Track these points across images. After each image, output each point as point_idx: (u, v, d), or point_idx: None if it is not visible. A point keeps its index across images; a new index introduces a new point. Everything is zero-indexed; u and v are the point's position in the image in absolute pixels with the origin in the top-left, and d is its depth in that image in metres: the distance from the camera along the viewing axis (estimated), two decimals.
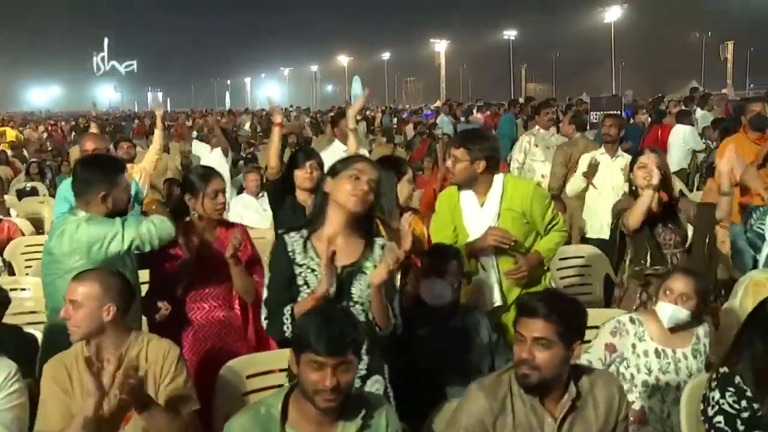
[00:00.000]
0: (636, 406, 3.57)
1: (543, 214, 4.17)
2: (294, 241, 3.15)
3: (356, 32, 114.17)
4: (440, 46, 73.00)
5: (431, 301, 3.83)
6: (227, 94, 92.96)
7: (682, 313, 3.55)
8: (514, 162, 8.40)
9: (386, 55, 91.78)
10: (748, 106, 6.35)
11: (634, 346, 3.61)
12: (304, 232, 3.15)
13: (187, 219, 4.00)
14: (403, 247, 3.08)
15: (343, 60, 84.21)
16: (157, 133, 7.80)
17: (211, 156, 10.57)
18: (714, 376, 3.07)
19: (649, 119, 12.23)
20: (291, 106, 38.23)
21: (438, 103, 42.13)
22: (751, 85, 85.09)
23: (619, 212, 4.59)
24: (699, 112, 14.00)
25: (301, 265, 3.12)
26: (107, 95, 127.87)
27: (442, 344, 3.74)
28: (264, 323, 3.19)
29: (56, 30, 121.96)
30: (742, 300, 3.90)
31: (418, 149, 13.63)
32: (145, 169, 7.27)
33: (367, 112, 29.66)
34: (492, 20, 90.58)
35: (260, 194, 8.36)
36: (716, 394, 2.98)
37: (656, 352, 3.61)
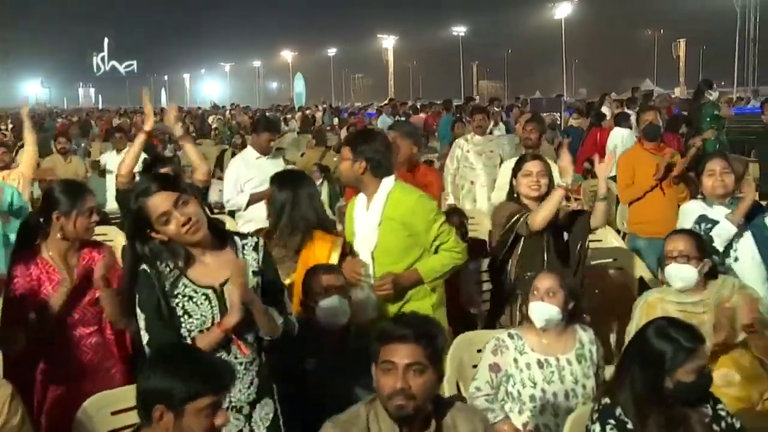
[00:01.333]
0: (531, 426, 3.54)
1: (427, 229, 4.03)
2: (160, 272, 2.97)
3: (301, 27, 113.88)
4: (388, 42, 73.03)
5: (327, 322, 3.73)
6: (163, 91, 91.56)
7: (551, 309, 3.55)
8: (447, 170, 8.34)
9: (332, 51, 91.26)
10: (642, 115, 6.40)
11: (516, 360, 3.60)
12: (170, 262, 2.97)
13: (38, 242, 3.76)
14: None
15: (288, 56, 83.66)
16: (27, 135, 7.35)
17: (118, 158, 10.04)
18: (595, 407, 3.02)
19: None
20: (231, 104, 37.75)
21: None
22: (708, 82, 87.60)
23: (512, 214, 4.49)
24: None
25: (175, 296, 2.96)
26: (33, 90, 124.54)
27: (333, 369, 3.63)
28: None
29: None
30: (639, 321, 3.89)
31: None
32: (23, 174, 6.92)
33: (307, 111, 29.52)
34: (442, 16, 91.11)
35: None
36: (597, 427, 2.93)
37: (538, 362, 3.59)
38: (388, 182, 4.08)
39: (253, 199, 6.31)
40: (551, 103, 12.93)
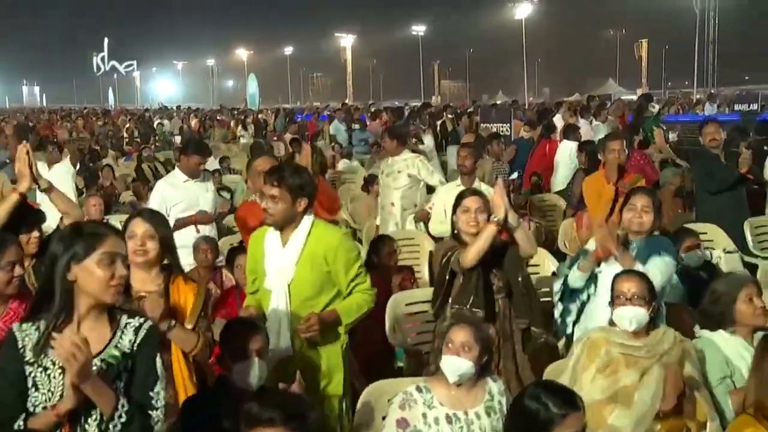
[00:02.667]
0: None
1: (347, 268, 4.09)
2: (27, 335, 2.74)
3: (257, 25, 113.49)
4: (346, 41, 72.93)
5: (243, 384, 3.60)
6: (110, 90, 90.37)
7: (465, 365, 3.52)
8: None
9: (289, 50, 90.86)
10: (607, 144, 6.38)
11: (424, 415, 3.54)
12: (42, 323, 2.72)
13: None
14: None
15: (243, 54, 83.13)
16: None
17: (50, 174, 9.02)
18: None
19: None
20: (179, 106, 37.42)
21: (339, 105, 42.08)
22: (669, 83, 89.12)
23: (447, 250, 4.50)
24: (594, 122, 14.36)
25: (32, 363, 2.71)
26: None
27: None
28: None
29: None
30: (579, 358, 3.92)
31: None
32: None
33: (260, 115, 29.27)
34: (402, 14, 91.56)
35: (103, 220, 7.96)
36: None
37: (447, 417, 3.55)
38: (309, 217, 4.10)
39: (179, 225, 6.22)
40: (501, 113, 12.94)
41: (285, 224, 4.09)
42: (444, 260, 4.49)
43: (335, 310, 4.08)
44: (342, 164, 14.68)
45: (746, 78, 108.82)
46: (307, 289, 4.09)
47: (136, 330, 2.83)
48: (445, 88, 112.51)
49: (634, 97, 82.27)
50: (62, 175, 9.12)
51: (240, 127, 25.60)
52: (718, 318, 4.03)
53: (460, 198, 4.59)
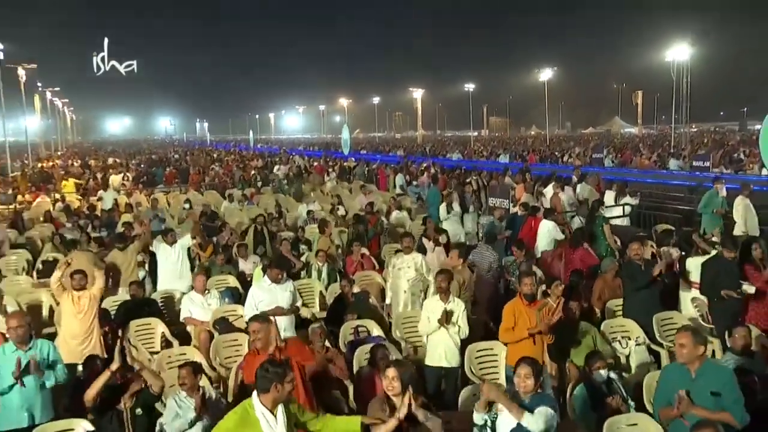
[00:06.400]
0: None
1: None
2: None
3: (353, 79, 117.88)
4: (417, 93, 72.86)
5: None
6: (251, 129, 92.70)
7: None
8: None
9: (377, 99, 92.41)
10: (522, 278, 5.85)
11: None
12: None
13: None
14: None
15: (344, 101, 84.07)
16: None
17: (173, 251, 9.19)
18: None
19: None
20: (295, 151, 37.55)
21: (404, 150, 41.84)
22: (662, 117, 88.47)
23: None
24: (579, 186, 14.07)
25: None
26: (163, 125, 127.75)
27: None
28: None
29: None
30: None
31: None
32: (94, 295, 6.70)
33: (344, 163, 28.25)
34: (457, 74, 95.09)
35: (207, 291, 8.12)
36: None
37: None
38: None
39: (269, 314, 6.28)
40: (503, 191, 12.75)
41: None
42: None
43: None
44: (394, 215, 14.36)
45: (721, 113, 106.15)
46: None
47: None
48: (492, 122, 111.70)
49: (634, 130, 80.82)
50: (180, 249, 9.18)
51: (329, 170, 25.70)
52: None
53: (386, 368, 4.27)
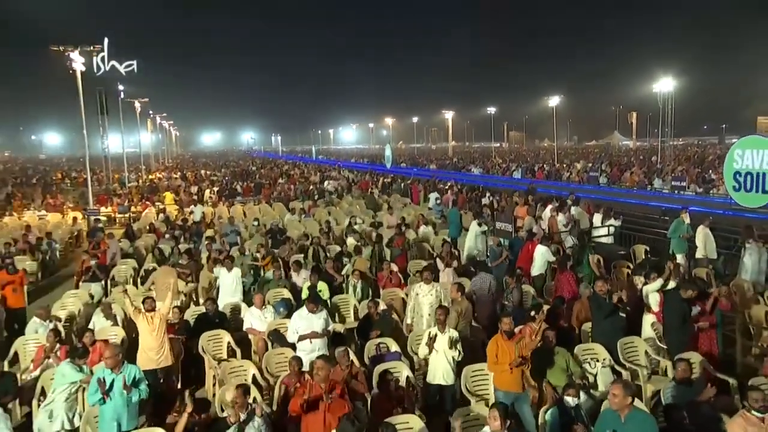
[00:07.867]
0: None
1: None
2: None
3: (394, 103, 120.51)
4: (448, 114, 72.20)
5: None
6: (313, 142, 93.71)
7: None
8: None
9: (416, 119, 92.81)
10: (502, 318, 5.67)
11: None
12: None
13: None
14: None
15: (389, 120, 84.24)
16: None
17: (230, 276, 9.26)
18: None
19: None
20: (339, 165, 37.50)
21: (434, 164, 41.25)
22: (655, 130, 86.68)
23: None
24: (573, 209, 13.75)
25: None
26: (245, 138, 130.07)
27: None
28: None
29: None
30: None
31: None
32: (162, 314, 6.64)
33: (384, 179, 27.32)
34: (480, 98, 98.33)
35: (264, 306, 8.23)
36: None
37: None
38: None
39: (302, 338, 6.60)
40: (507, 215, 12.54)
41: None
42: None
43: None
44: (422, 229, 14.07)
45: (705, 127, 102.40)
46: None
47: None
48: (511, 136, 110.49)
49: (630, 143, 78.71)
50: (235, 274, 9.25)
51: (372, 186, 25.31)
52: None
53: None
